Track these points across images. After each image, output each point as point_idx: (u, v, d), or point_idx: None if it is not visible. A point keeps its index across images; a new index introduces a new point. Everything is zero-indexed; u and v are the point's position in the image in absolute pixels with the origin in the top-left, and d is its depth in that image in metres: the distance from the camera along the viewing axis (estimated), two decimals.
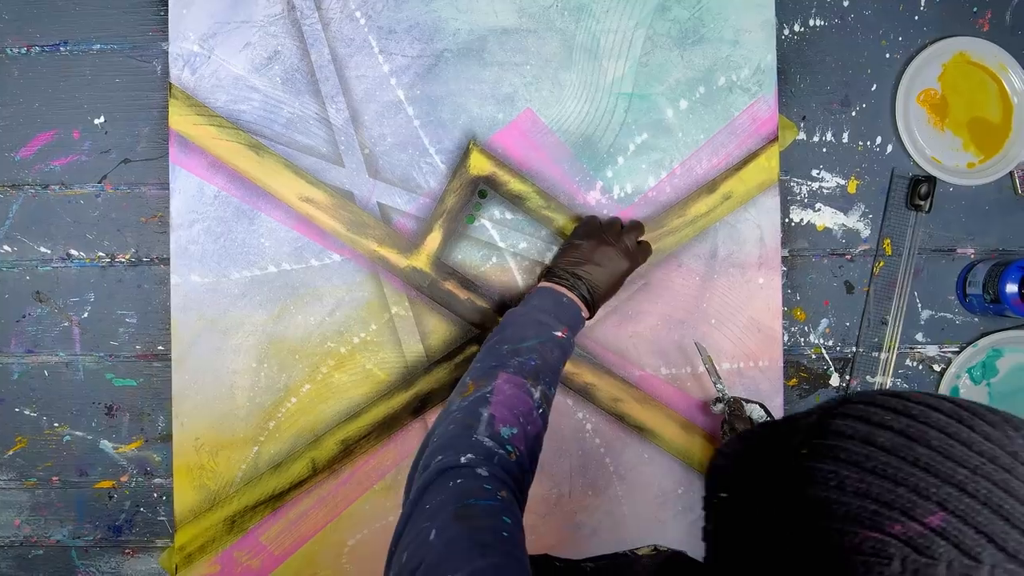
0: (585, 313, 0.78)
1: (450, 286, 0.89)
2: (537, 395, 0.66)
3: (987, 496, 0.31)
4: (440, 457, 0.57)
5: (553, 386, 0.70)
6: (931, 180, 0.89)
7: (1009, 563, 0.29)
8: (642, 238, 0.85)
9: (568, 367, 0.89)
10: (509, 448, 0.60)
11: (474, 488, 0.54)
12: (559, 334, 0.73)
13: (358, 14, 0.89)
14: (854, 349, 0.92)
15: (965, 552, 0.30)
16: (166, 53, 0.89)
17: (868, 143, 0.91)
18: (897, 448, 0.33)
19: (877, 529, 0.32)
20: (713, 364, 0.85)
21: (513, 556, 0.49)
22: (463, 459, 0.57)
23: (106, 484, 0.91)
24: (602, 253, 0.79)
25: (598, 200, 0.89)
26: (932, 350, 0.92)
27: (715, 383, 0.84)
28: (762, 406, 0.82)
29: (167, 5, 0.88)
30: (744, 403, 0.83)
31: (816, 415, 0.38)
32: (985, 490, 0.31)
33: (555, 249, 0.89)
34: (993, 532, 0.30)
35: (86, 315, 0.91)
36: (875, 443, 0.34)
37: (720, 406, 0.83)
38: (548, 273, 0.80)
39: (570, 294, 0.77)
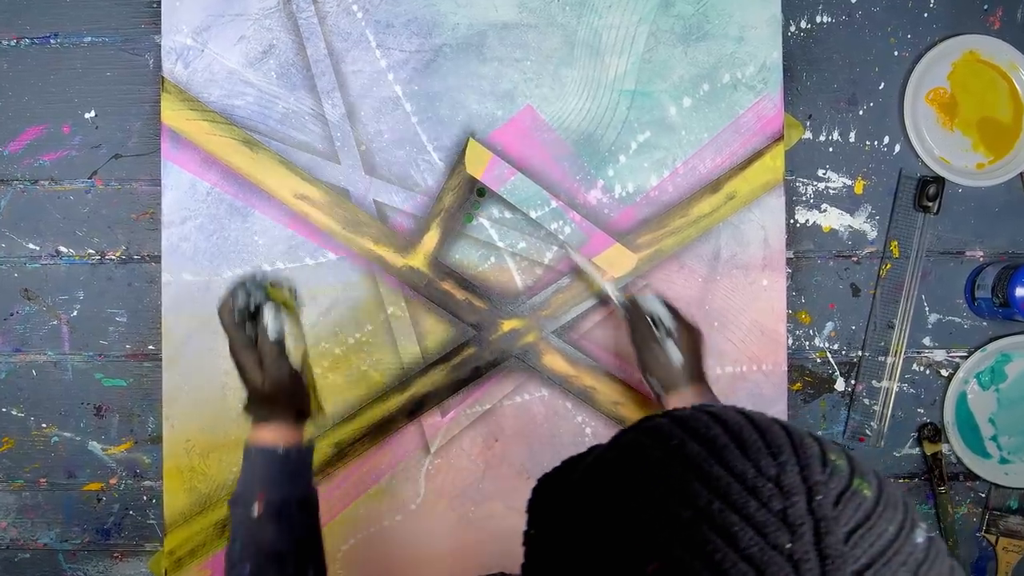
0: (282, 438, 0.63)
1: (447, 286, 0.87)
2: None
3: (702, 545, 0.28)
4: None
5: (291, 560, 0.60)
6: (939, 181, 0.88)
7: None
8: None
9: (567, 369, 0.87)
10: None
11: None
12: (256, 512, 0.60)
13: (355, 7, 0.87)
14: (860, 353, 0.90)
15: None
16: (159, 46, 0.87)
17: (875, 143, 0.89)
18: (641, 484, 0.31)
19: None
20: (588, 261, 0.80)
21: None
22: None
23: (94, 486, 0.89)
24: (237, 360, 0.65)
25: (599, 199, 0.87)
26: (940, 355, 0.90)
27: (605, 290, 0.80)
28: (663, 300, 0.77)
29: None
30: (640, 300, 0.78)
31: (607, 444, 0.35)
32: (701, 538, 0.28)
33: (555, 249, 0.87)
34: None
35: (75, 313, 0.89)
36: (627, 476, 0.32)
37: (621, 312, 0.80)
38: None
39: (258, 435, 0.64)
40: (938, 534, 0.31)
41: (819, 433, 0.88)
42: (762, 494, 0.29)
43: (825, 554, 0.28)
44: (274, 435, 0.63)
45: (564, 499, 0.34)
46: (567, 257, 0.87)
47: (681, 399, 0.73)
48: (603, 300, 0.86)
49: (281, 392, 0.64)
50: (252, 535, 0.60)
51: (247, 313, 0.64)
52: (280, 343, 0.64)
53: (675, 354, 0.74)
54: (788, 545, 0.28)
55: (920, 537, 0.30)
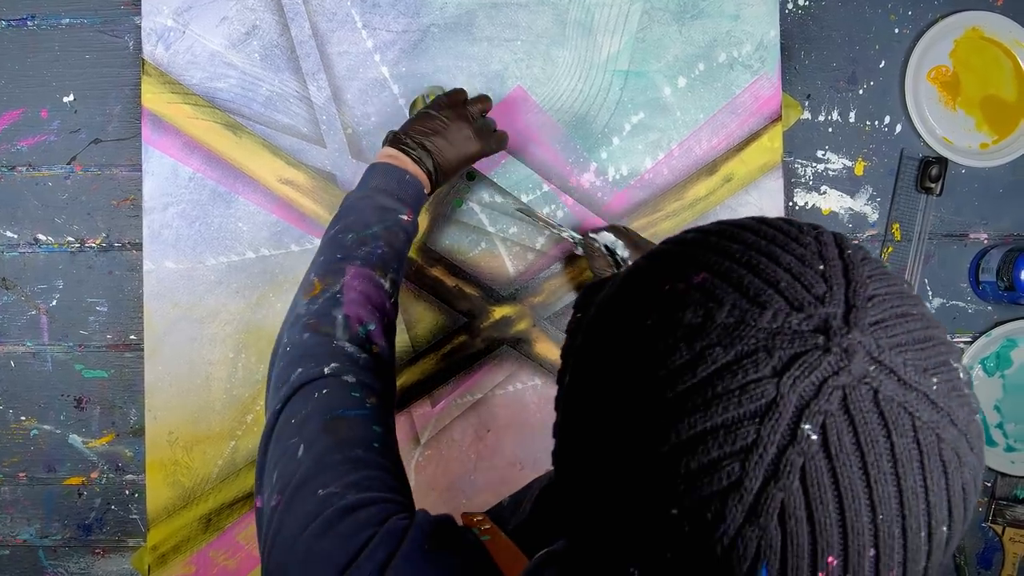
0: (427, 189, 0.72)
1: (437, 272, 0.85)
2: (388, 285, 0.63)
3: (747, 261, 0.33)
4: (300, 369, 0.55)
5: (401, 272, 0.67)
6: (942, 161, 0.85)
7: (748, 304, 0.31)
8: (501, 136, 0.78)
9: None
10: (370, 346, 0.59)
11: (342, 398, 0.53)
12: (405, 217, 0.68)
13: None
14: None
15: (715, 300, 0.32)
16: (139, 28, 0.85)
17: (876, 123, 0.87)
18: (695, 238, 0.36)
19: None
20: (542, 217, 0.82)
21: (384, 468, 0.50)
22: (327, 370, 0.55)
23: (75, 481, 0.87)
24: (458, 130, 0.73)
25: (592, 182, 0.85)
26: None
27: (560, 234, 0.81)
28: (611, 228, 0.78)
29: None
30: (592, 235, 0.78)
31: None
32: (747, 258, 0.33)
33: (546, 234, 0.85)
34: (740, 283, 0.32)
35: (54, 303, 0.86)
36: (681, 239, 0.37)
37: (579, 249, 0.80)
38: (394, 140, 0.72)
39: (414, 169, 0.70)
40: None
41: None
42: (803, 240, 0.34)
43: (851, 279, 0.32)
44: (422, 177, 0.71)
45: (617, 278, 0.38)
46: (559, 242, 0.84)
47: None
48: (565, 250, 0.85)
49: (459, 164, 0.74)
50: (391, 230, 0.66)
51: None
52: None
53: None
54: (821, 267, 0.32)
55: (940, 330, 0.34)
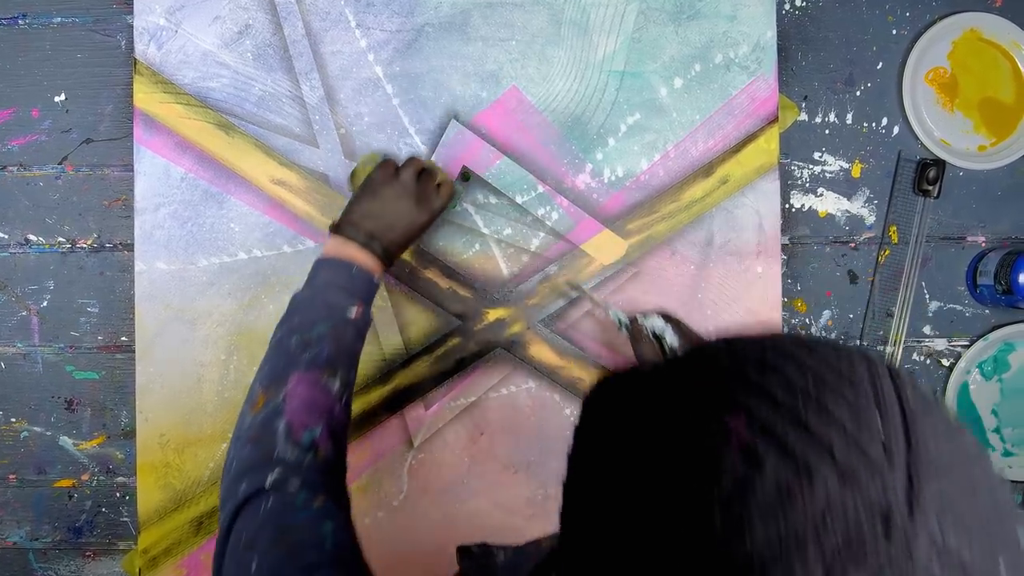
0: (378, 275, 0.70)
1: (431, 274, 0.84)
2: (336, 387, 0.62)
3: (791, 409, 0.29)
4: (244, 484, 0.54)
5: (353, 369, 0.65)
6: (940, 164, 0.85)
7: (793, 474, 0.28)
8: (445, 180, 0.76)
9: (555, 360, 0.84)
10: (315, 451, 0.58)
11: (287, 506, 0.53)
12: (354, 312, 0.66)
13: None
14: (858, 342, 0.87)
15: (755, 461, 0.28)
16: (131, 27, 0.84)
17: (873, 124, 0.86)
18: (730, 364, 0.32)
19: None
20: (590, 295, 0.81)
21: (342, 563, 0.49)
22: (269, 481, 0.54)
23: (66, 483, 0.86)
24: (396, 206, 0.71)
25: (588, 184, 0.84)
26: (940, 344, 0.87)
27: (607, 313, 0.80)
28: (661, 314, 0.76)
29: None
30: (641, 320, 0.76)
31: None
32: (791, 404, 0.29)
33: (541, 236, 0.84)
34: (784, 442, 0.28)
35: (45, 304, 0.86)
36: (711, 358, 0.33)
37: (623, 331, 0.78)
38: (338, 230, 0.71)
39: (362, 258, 0.69)
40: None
41: None
42: (855, 379, 0.30)
43: (912, 438, 0.29)
44: (372, 264, 0.70)
45: (636, 385, 0.34)
46: (554, 244, 0.84)
47: None
48: (560, 251, 0.84)
49: (410, 238, 0.73)
50: (338, 327, 0.65)
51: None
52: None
53: None
54: (878, 420, 0.29)
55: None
